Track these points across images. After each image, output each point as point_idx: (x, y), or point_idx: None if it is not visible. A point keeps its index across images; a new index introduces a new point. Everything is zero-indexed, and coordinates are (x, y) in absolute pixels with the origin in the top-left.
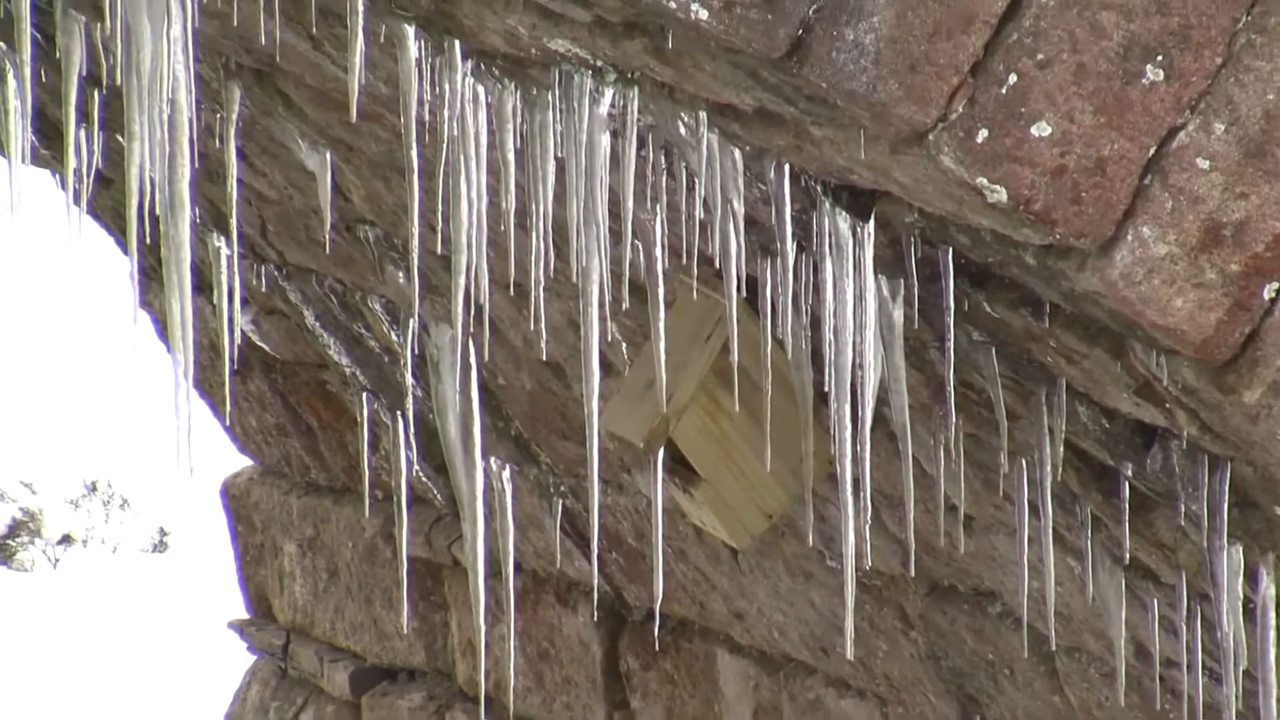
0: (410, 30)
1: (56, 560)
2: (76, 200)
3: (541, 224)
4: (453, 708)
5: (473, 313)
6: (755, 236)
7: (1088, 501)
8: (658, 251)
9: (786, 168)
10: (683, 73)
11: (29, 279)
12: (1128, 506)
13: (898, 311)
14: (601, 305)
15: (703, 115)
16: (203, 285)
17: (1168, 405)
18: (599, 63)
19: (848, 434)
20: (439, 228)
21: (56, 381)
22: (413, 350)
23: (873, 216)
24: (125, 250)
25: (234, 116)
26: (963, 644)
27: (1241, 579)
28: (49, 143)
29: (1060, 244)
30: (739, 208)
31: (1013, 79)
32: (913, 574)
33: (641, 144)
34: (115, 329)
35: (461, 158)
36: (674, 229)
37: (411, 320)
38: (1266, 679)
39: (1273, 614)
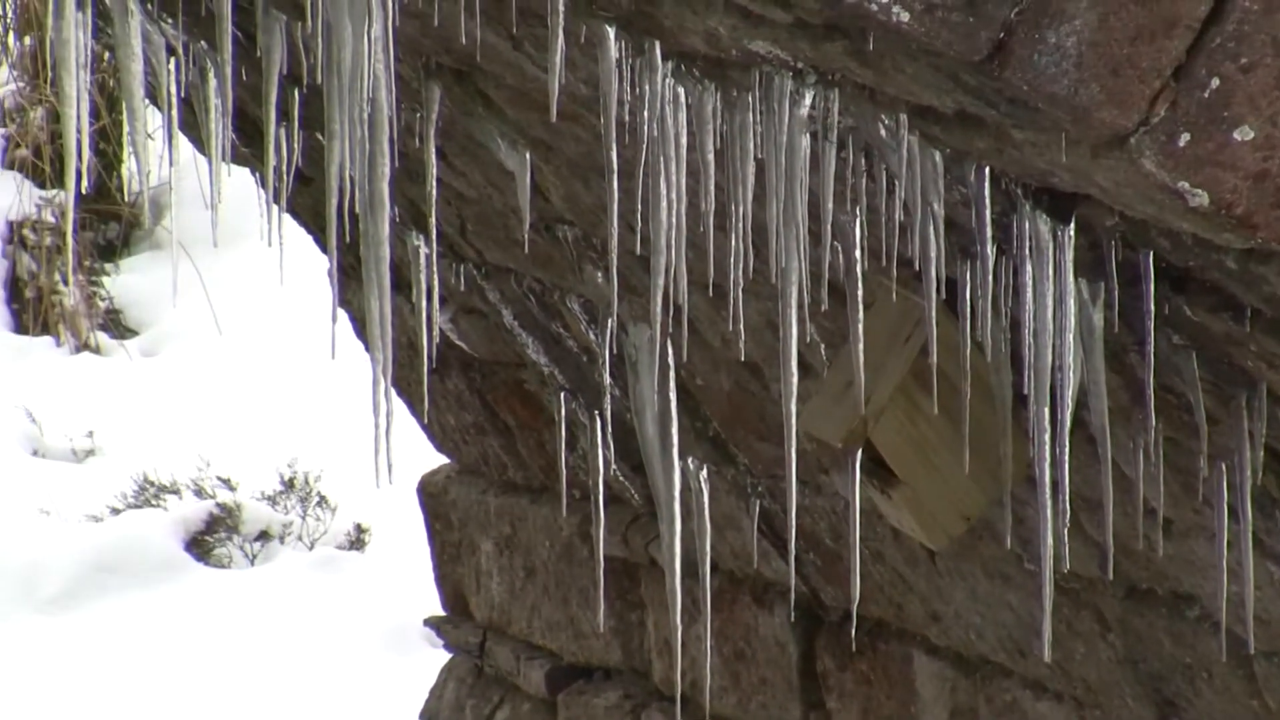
0: (610, 31)
1: (254, 556)
2: (276, 199)
3: (741, 225)
4: (648, 707)
5: (671, 313)
6: (955, 239)
7: None
8: (857, 253)
9: (987, 170)
10: (883, 75)
11: (228, 277)
12: None
13: (1098, 315)
14: (800, 306)
15: (903, 118)
16: (401, 284)
17: None
18: (799, 64)
19: (1046, 437)
20: (638, 228)
21: (255, 379)
22: (611, 350)
23: (1073, 220)
24: (324, 249)
25: (434, 116)
26: (1160, 647)
27: None
28: (249, 141)
29: (1262, 248)
30: (939, 210)
31: (1215, 83)
32: (1110, 577)
33: (842, 146)
34: (313, 327)
35: (661, 158)
36: (873, 231)
37: (610, 320)
38: None
39: None
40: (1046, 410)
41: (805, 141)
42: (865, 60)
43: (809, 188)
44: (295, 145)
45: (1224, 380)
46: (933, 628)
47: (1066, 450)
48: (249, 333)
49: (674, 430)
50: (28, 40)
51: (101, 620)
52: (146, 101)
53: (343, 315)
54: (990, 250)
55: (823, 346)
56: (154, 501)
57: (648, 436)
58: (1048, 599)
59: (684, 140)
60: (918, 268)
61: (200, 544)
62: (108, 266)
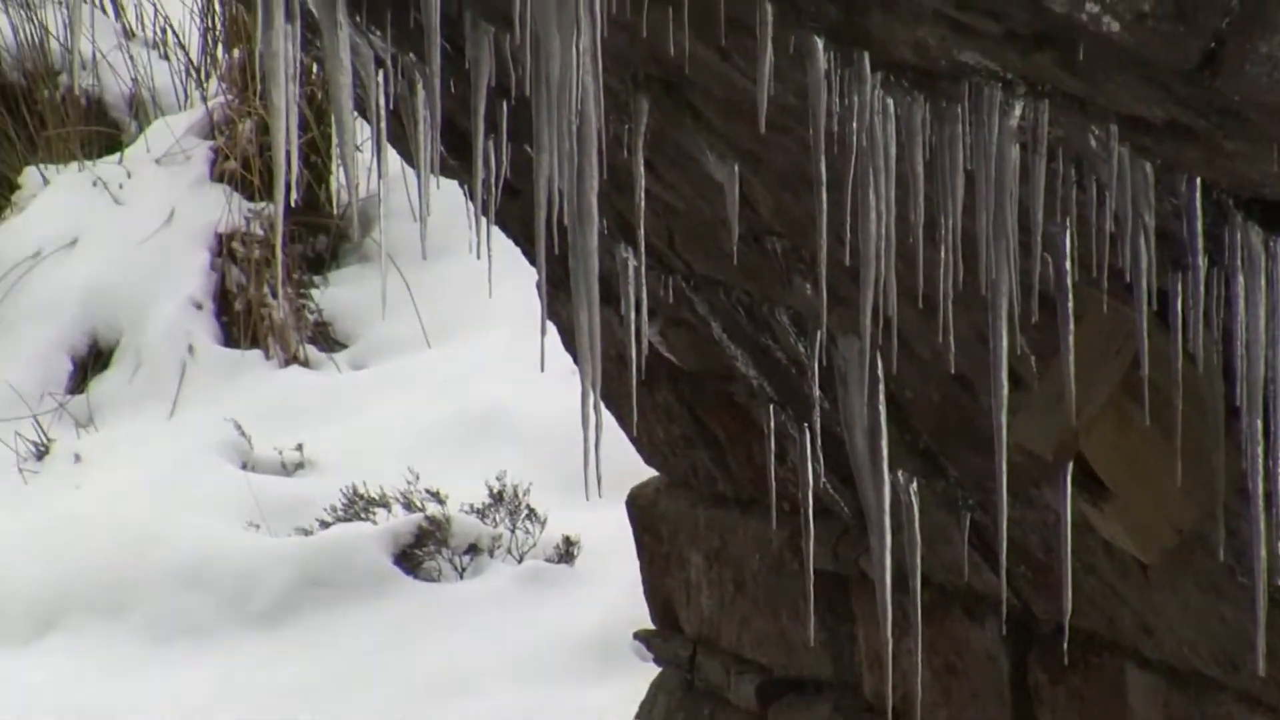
0: (819, 42)
1: (463, 569)
2: (484, 211)
3: (950, 236)
4: None
5: (881, 325)
6: (1166, 250)
7: None
8: (1067, 265)
9: (1198, 181)
10: (1094, 85)
11: (437, 289)
12: None
13: None
14: (1011, 318)
15: (1113, 128)
16: (610, 296)
17: None
18: (1009, 75)
19: (1259, 449)
20: (847, 239)
21: (463, 391)
22: (820, 362)
23: None
24: (533, 261)
25: (642, 128)
26: None
27: None
28: (457, 153)
29: None
30: (1150, 221)
31: None
32: None
33: (1051, 156)
34: (522, 339)
35: (870, 170)
36: (1084, 242)
37: (819, 332)
38: None
39: None
40: (1259, 422)
41: (1015, 152)
42: (1075, 71)
43: (1019, 199)
44: (503, 157)
45: None
46: (1145, 641)
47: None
48: (458, 345)
49: (884, 443)
50: (236, 53)
51: (312, 633)
52: (355, 114)
53: (551, 327)
54: (1202, 261)
55: (1033, 358)
56: (363, 515)
57: (857, 449)
58: (1261, 612)
59: (893, 151)
60: (1128, 279)
61: (409, 557)
62: (316, 279)
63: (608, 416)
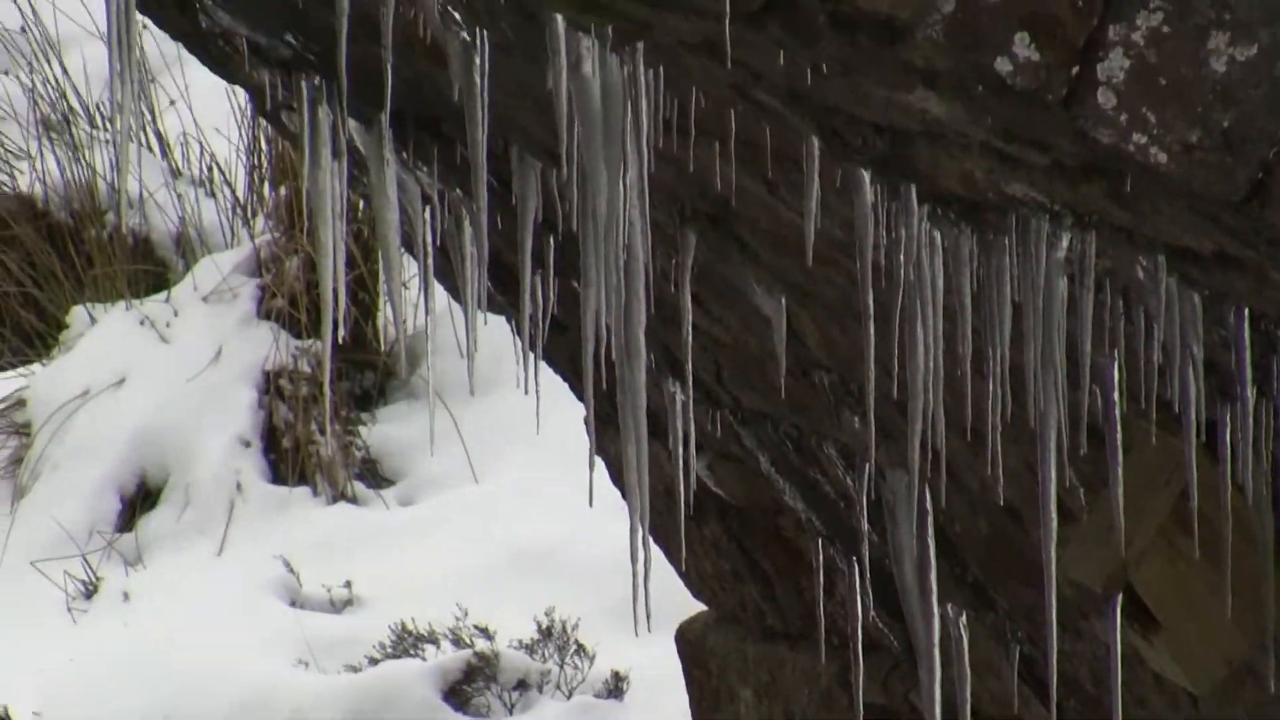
0: (866, 175)
1: (512, 705)
2: (531, 346)
3: (998, 368)
4: None
5: (929, 458)
6: (1214, 381)
7: None
8: (1115, 396)
9: (1246, 312)
10: (1141, 216)
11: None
12: None
13: None
14: (1059, 450)
15: (1161, 259)
16: (658, 430)
17: None
18: (1056, 207)
19: None
20: (894, 372)
21: (511, 527)
22: (868, 495)
23: None
24: (580, 396)
25: (689, 261)
26: None
27: None
28: (504, 289)
29: None
30: (1198, 352)
31: None
32: None
33: (1099, 288)
34: (570, 474)
35: (917, 302)
36: (1132, 373)
37: (867, 465)
38: None
39: None
40: None
41: (1062, 284)
42: (1123, 202)
43: (1066, 330)
44: (550, 293)
45: None
46: None
47: None
48: (506, 481)
49: (932, 576)
50: (283, 190)
51: None
52: (402, 250)
53: (600, 462)
54: (1250, 392)
55: (1082, 490)
56: (412, 651)
57: (906, 582)
58: None
59: (940, 283)
60: (1177, 410)
61: (459, 693)
62: (364, 416)
63: (656, 551)
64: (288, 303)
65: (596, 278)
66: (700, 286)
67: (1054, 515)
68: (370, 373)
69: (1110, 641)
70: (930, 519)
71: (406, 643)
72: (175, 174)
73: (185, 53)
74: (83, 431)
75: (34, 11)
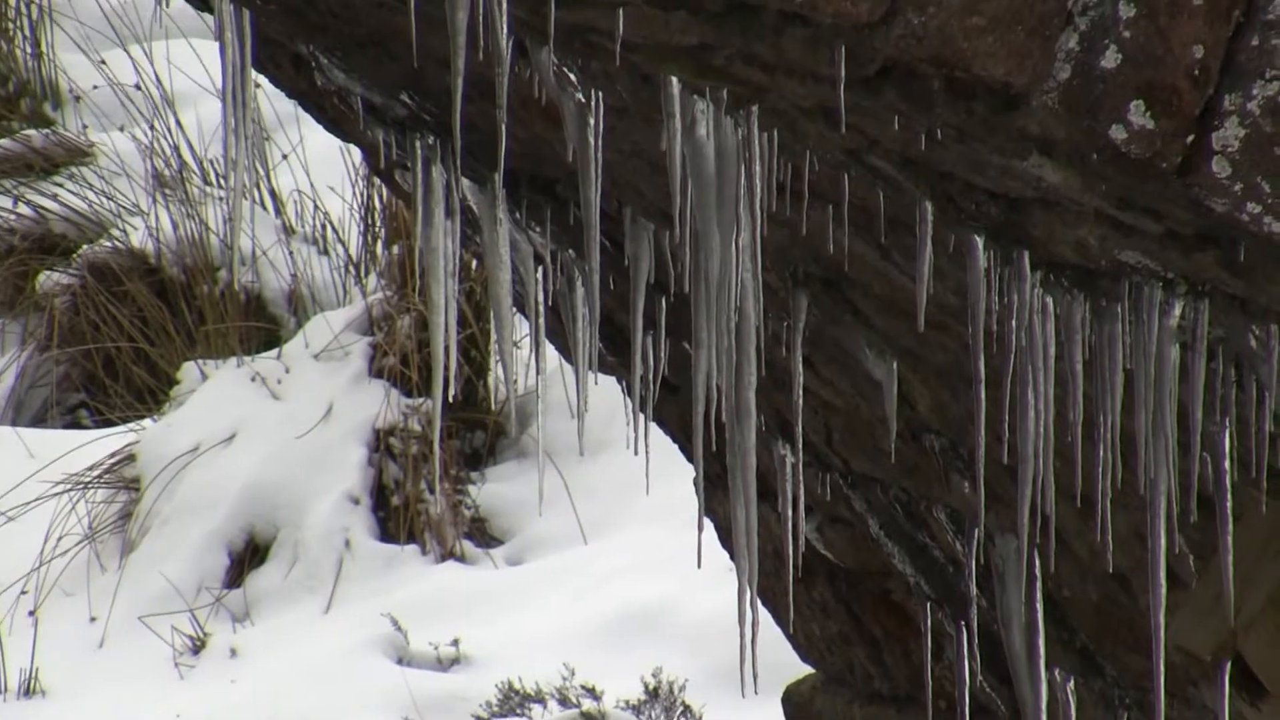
0: (979, 240)
1: None
2: (642, 407)
3: (1109, 435)
4: None
5: (1038, 523)
6: None
7: None
8: (1225, 464)
9: None
10: (1254, 285)
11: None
12: None
13: None
14: (1169, 517)
15: (1274, 328)
16: (767, 493)
17: None
18: (1170, 274)
19: None
20: (1005, 437)
21: (620, 586)
22: (977, 560)
23: None
24: (690, 458)
25: (800, 324)
26: None
27: None
28: (615, 349)
29: None
30: None
31: None
32: None
33: (1211, 356)
34: (679, 536)
35: (1029, 367)
36: (1243, 441)
37: (976, 530)
38: None
39: None
40: None
41: (1174, 351)
42: (1236, 270)
43: (1177, 397)
44: (662, 354)
45: None
46: None
47: None
48: (615, 542)
49: (1040, 641)
50: (395, 249)
51: None
52: (514, 310)
53: (708, 524)
54: None
55: (1191, 558)
56: (519, 710)
57: (1014, 647)
58: None
59: (1052, 350)
60: None
61: None
62: (474, 474)
63: (764, 613)
64: (399, 361)
65: (708, 339)
66: (812, 349)
67: (1163, 582)
68: (481, 432)
69: (1218, 709)
70: (1039, 584)
71: (513, 702)
72: (289, 231)
73: (301, 111)
74: (192, 487)
75: (151, 68)
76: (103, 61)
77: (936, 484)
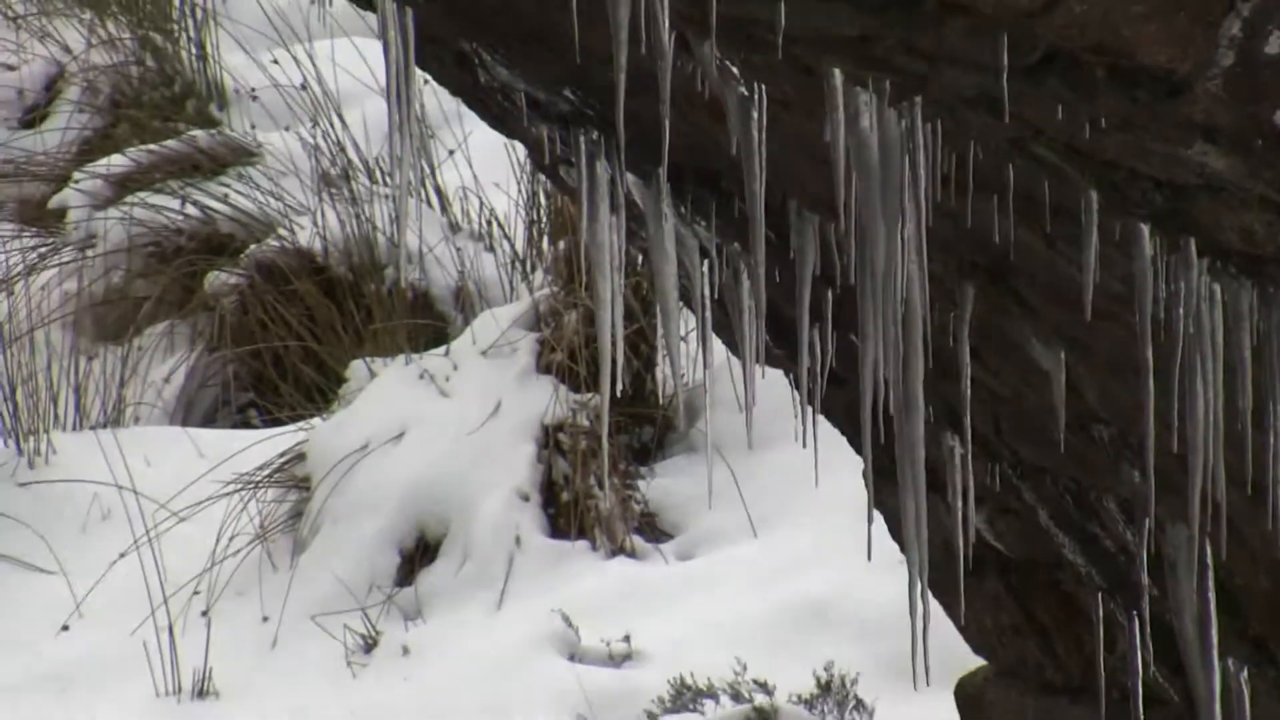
0: (1144, 228)
1: None
2: (810, 400)
3: (1278, 422)
4: None
5: (1210, 512)
6: None
7: None
8: None
9: None
10: None
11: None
12: None
13: None
14: None
15: None
16: (936, 484)
17: None
18: None
19: None
20: (1174, 426)
21: (791, 580)
22: (1149, 549)
23: None
24: (859, 450)
25: (967, 315)
26: None
27: None
28: (781, 342)
29: None
30: None
31: None
32: None
33: None
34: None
35: (1197, 355)
36: None
37: (1147, 519)
38: None
39: None
40: None
41: None
42: None
43: None
44: (828, 346)
45: None
46: None
47: None
48: (784, 535)
49: (1213, 630)
50: (561, 244)
51: None
52: (680, 304)
53: (878, 516)
54: None
55: None
56: (691, 706)
57: (1187, 637)
58: None
59: (1220, 337)
60: None
61: None
62: (643, 470)
63: (935, 605)
64: (566, 356)
65: (874, 331)
66: (978, 340)
67: None
68: (649, 426)
69: None
70: (1211, 573)
71: (685, 697)
72: (454, 228)
73: (464, 108)
74: (362, 485)
75: (315, 68)
76: (274, 61)
77: (1106, 474)
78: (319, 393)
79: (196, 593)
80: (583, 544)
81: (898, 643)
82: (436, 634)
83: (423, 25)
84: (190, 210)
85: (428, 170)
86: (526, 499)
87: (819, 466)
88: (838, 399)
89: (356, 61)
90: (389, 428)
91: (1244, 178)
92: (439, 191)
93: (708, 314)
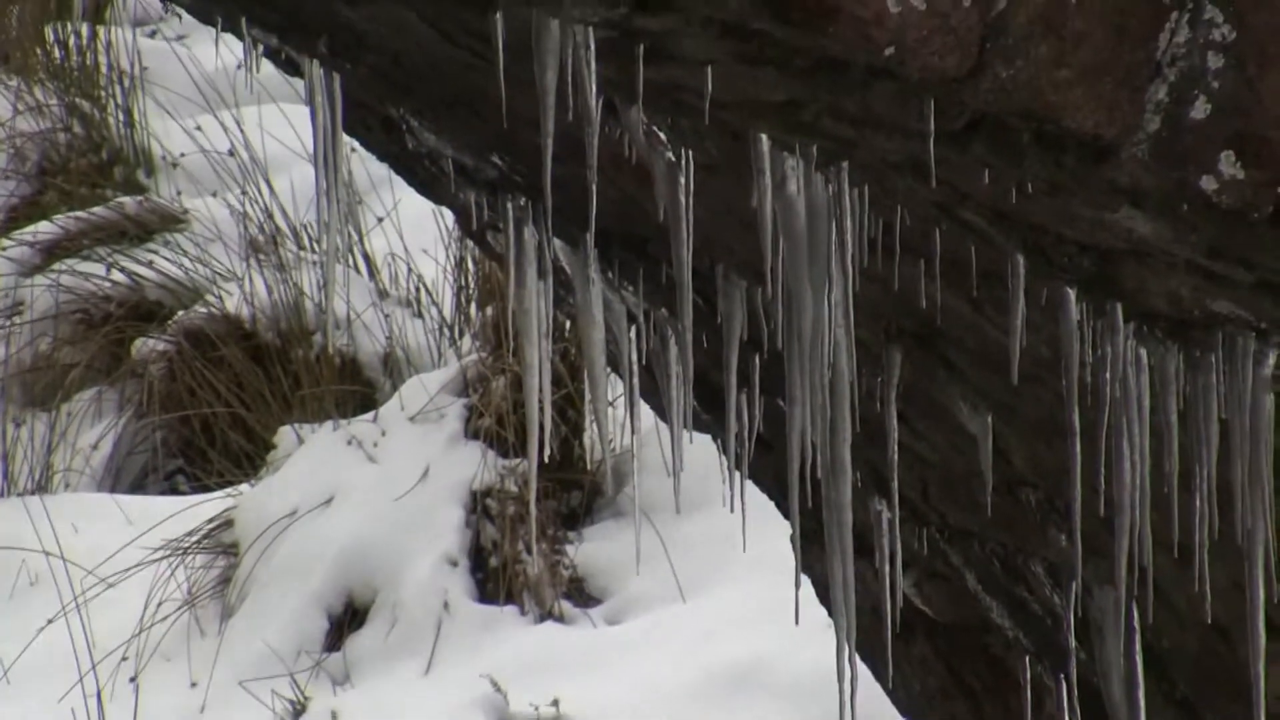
0: (1071, 293)
1: None
2: (737, 465)
3: (1205, 486)
4: None
5: (1136, 574)
6: None
7: None
8: None
9: None
10: None
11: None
12: None
13: None
14: (1267, 567)
15: None
16: (864, 549)
17: None
18: (1262, 324)
19: None
20: (1101, 489)
21: (719, 646)
22: (1075, 613)
23: None
24: (786, 514)
25: (894, 380)
26: None
27: None
28: (709, 407)
29: None
30: None
31: None
32: None
33: None
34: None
35: (1124, 419)
36: None
37: (1074, 583)
38: None
39: None
40: None
41: (1270, 401)
42: None
43: (1274, 447)
44: (756, 411)
45: None
46: None
47: None
48: (713, 599)
49: (1140, 693)
50: (489, 310)
51: None
52: (608, 369)
53: (806, 581)
54: None
55: None
56: None
57: (1115, 699)
58: None
59: (1147, 401)
60: None
61: None
62: (571, 534)
63: (863, 669)
64: (495, 422)
65: (802, 396)
66: (905, 404)
67: (1262, 633)
68: (577, 491)
69: None
70: (1138, 636)
71: None
72: (382, 294)
73: (392, 174)
74: (290, 551)
75: (242, 134)
76: (198, 127)
77: (1034, 537)
78: (247, 459)
79: (124, 659)
80: (511, 609)
81: (826, 706)
82: (365, 699)
83: (350, 90)
84: (118, 277)
85: (356, 237)
86: (455, 564)
87: (747, 531)
88: (765, 464)
89: (284, 127)
90: (317, 493)
91: (1170, 242)
92: (367, 258)
93: (636, 379)
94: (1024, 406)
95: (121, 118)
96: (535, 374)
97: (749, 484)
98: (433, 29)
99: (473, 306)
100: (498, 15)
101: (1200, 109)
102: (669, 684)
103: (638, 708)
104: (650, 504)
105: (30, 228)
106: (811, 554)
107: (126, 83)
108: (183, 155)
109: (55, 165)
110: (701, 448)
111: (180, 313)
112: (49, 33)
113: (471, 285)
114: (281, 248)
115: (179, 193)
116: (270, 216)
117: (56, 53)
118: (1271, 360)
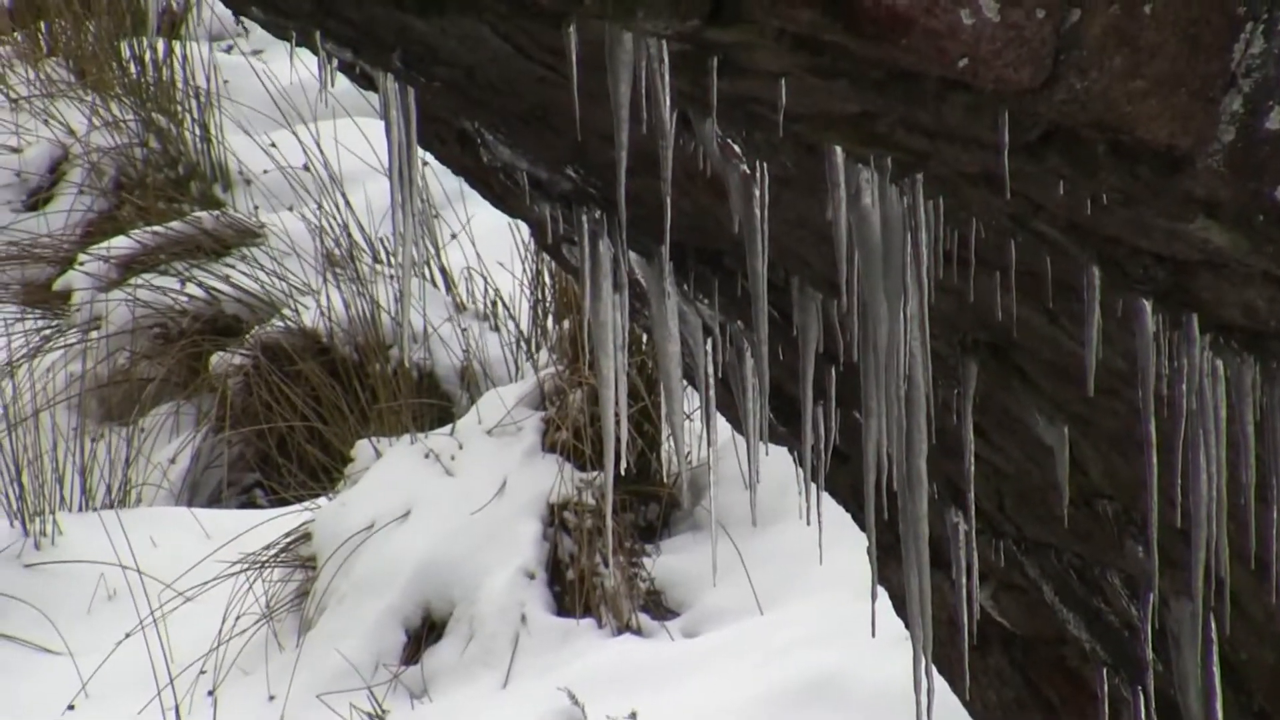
0: (1147, 304)
1: None
2: (814, 477)
3: None
4: None
5: (1213, 586)
6: None
7: None
8: None
9: None
10: None
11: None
12: None
13: None
14: None
15: None
16: (940, 561)
17: None
18: None
19: None
20: (1178, 501)
21: (797, 657)
22: (1152, 625)
23: None
24: (863, 526)
25: (970, 392)
26: None
27: None
28: (785, 420)
29: None
30: None
31: None
32: None
33: None
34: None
35: (1200, 431)
36: None
37: (1151, 594)
38: None
39: None
40: None
41: None
42: None
43: None
44: (832, 423)
45: None
46: None
47: None
48: (790, 612)
49: (1218, 705)
50: (566, 323)
51: None
52: (684, 382)
53: (882, 593)
54: None
55: None
56: None
57: (1191, 712)
58: None
59: (1223, 412)
60: None
61: None
62: (648, 547)
63: (940, 681)
64: (571, 435)
65: (878, 408)
66: (982, 416)
67: None
68: (654, 504)
69: None
70: (1215, 648)
71: None
72: (459, 308)
73: (467, 188)
74: (368, 565)
75: (319, 149)
76: (273, 144)
77: (1110, 549)
78: (324, 473)
79: (203, 672)
80: (588, 622)
81: (903, 718)
82: (443, 712)
83: (425, 104)
84: (194, 291)
85: (432, 250)
86: (532, 577)
87: (823, 543)
88: (841, 476)
89: (359, 141)
90: (394, 507)
91: (1246, 254)
92: (444, 271)
93: (712, 392)
94: (1100, 418)
95: (198, 132)
96: (611, 387)
97: (825, 497)
98: (506, 42)
99: (549, 320)
100: (571, 29)
101: (1275, 120)
102: (745, 697)
103: (713, 717)
104: (727, 517)
105: (107, 243)
106: (888, 566)
107: (202, 98)
108: (260, 171)
109: (132, 180)
110: (778, 460)
111: (257, 327)
112: (124, 48)
113: (548, 299)
114: (357, 262)
115: (255, 207)
116: (346, 230)
117: (133, 68)
118: None
